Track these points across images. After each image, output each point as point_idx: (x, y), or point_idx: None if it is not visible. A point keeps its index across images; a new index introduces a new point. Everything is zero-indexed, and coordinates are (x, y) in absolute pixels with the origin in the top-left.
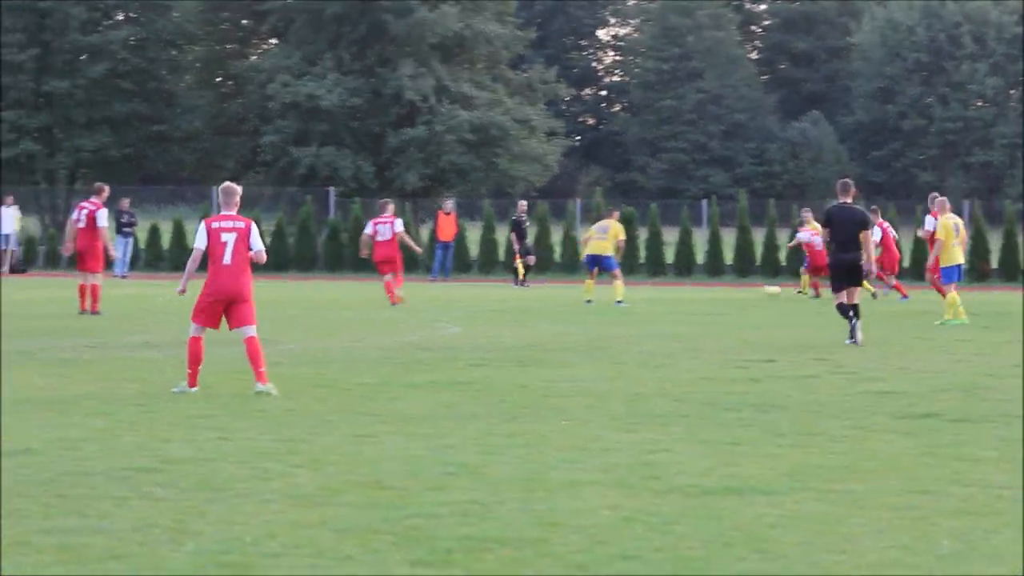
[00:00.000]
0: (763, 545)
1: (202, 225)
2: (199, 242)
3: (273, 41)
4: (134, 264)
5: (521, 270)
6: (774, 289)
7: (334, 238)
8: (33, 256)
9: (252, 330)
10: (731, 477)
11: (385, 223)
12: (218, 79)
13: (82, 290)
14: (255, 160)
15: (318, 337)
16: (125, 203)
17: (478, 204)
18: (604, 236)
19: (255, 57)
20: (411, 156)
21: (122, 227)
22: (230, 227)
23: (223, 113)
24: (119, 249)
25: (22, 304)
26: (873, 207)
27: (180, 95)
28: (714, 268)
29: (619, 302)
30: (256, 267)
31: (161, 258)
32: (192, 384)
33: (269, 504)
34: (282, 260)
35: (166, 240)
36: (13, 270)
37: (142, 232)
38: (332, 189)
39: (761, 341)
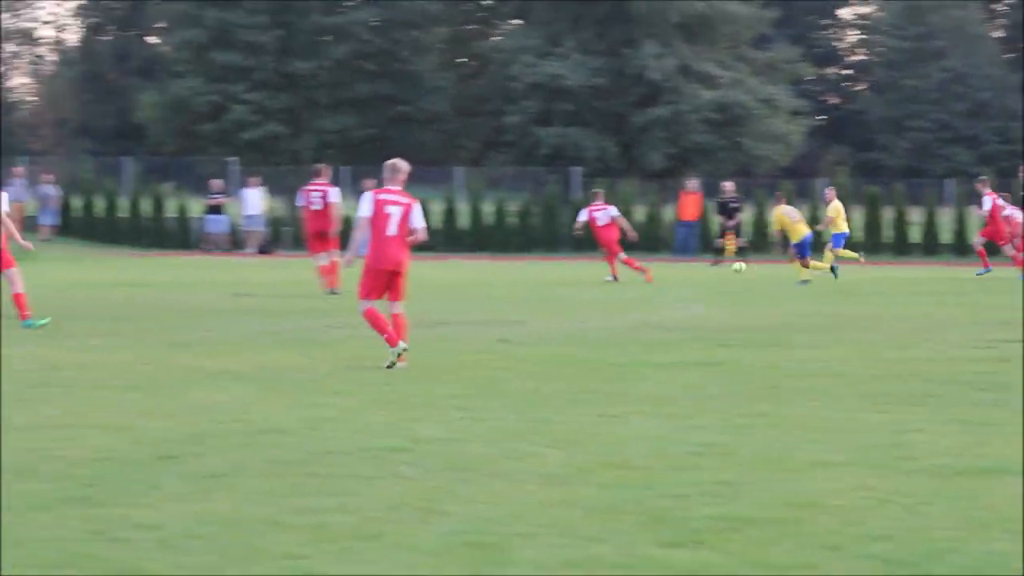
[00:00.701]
0: (1016, 526)
1: (369, 195)
2: (364, 211)
3: (515, 21)
4: None
5: (731, 248)
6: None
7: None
8: (279, 237)
9: (401, 306)
10: (983, 457)
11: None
12: (461, 60)
13: (322, 270)
14: (498, 140)
15: (564, 317)
16: (369, 184)
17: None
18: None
19: (497, 38)
20: (655, 136)
21: None
22: (395, 200)
23: (466, 94)
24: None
25: (268, 285)
26: (982, 177)
27: (423, 76)
28: (961, 248)
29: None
30: (499, 247)
31: None
32: (393, 344)
33: (518, 484)
34: (527, 241)
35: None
36: (261, 251)
37: None
38: (576, 169)
39: (1009, 321)
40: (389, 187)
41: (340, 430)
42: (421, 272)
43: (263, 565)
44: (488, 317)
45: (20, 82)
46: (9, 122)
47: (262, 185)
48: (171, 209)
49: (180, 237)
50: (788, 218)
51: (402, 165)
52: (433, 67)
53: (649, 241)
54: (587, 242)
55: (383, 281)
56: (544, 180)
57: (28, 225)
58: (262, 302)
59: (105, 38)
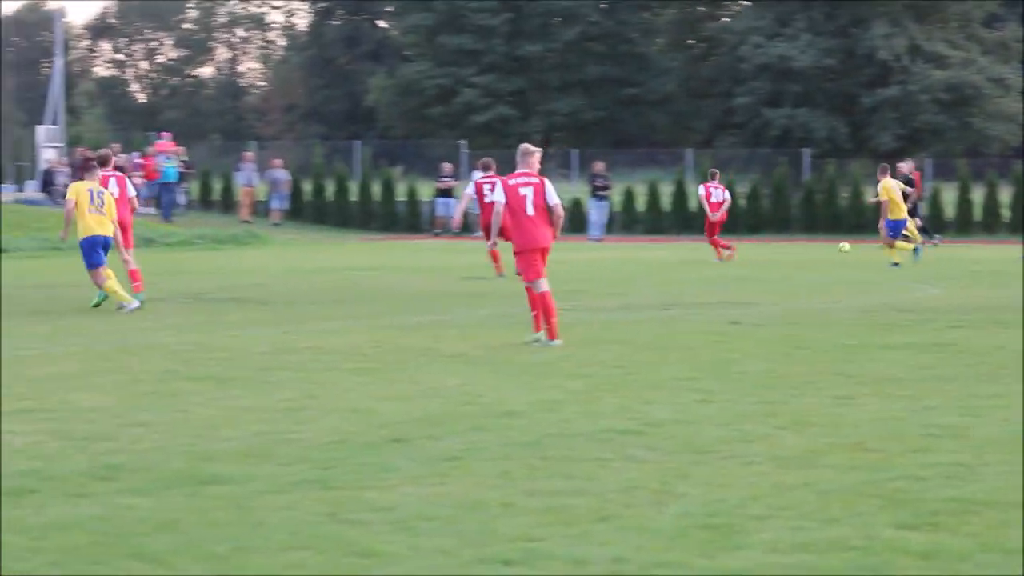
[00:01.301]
0: None
1: (499, 183)
2: (498, 197)
3: (744, 2)
4: (610, 227)
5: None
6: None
7: (809, 200)
8: None
9: (546, 283)
10: None
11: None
12: (690, 41)
13: (495, 255)
14: (727, 122)
15: (795, 298)
16: (599, 167)
17: (951, 164)
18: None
19: (726, 19)
20: (885, 116)
21: (596, 191)
22: (525, 182)
23: (695, 75)
24: (593, 213)
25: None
26: None
27: (652, 58)
28: None
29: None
30: (728, 229)
31: (637, 221)
32: (537, 330)
33: (752, 466)
34: (757, 222)
35: (641, 203)
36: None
37: (617, 196)
38: (806, 151)
39: None
40: (520, 170)
41: (573, 413)
42: (650, 254)
43: (497, 547)
44: (718, 299)
45: (250, 67)
46: (239, 107)
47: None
48: (401, 193)
49: (410, 221)
50: (896, 194)
51: (532, 148)
52: (662, 49)
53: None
54: (821, 223)
55: (537, 258)
56: (774, 162)
57: (259, 209)
58: (492, 285)
59: (335, 22)
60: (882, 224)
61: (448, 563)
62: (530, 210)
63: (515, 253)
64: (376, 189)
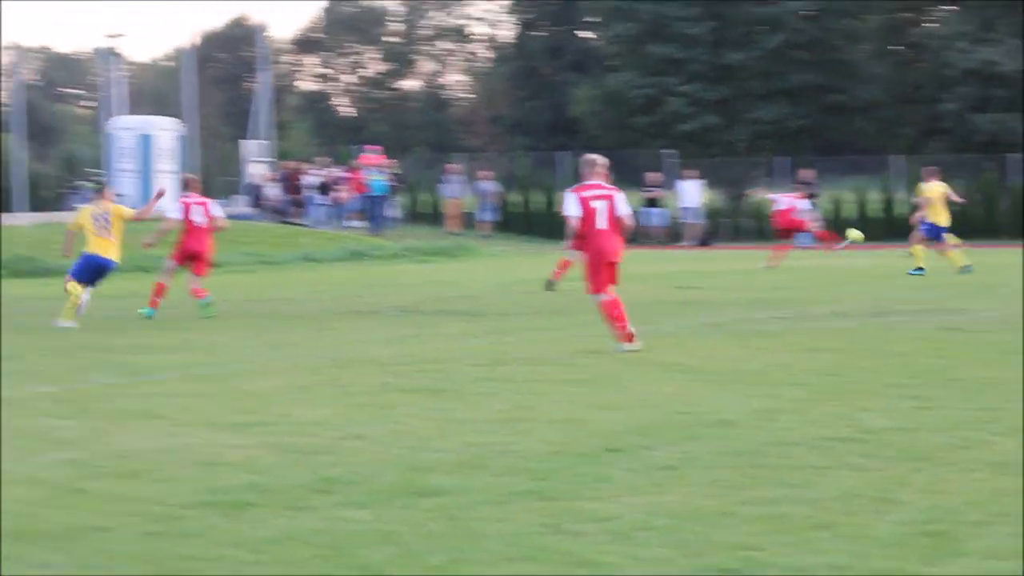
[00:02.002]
0: None
1: (572, 195)
2: (572, 211)
3: (949, 8)
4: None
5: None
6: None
7: (1018, 205)
8: (717, 229)
9: (611, 294)
10: None
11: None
12: (895, 47)
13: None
14: (934, 127)
15: (1011, 304)
16: (807, 174)
17: None
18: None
19: (931, 24)
20: None
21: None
22: (598, 195)
23: (900, 81)
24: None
25: (709, 276)
26: None
27: (857, 65)
28: None
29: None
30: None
31: (845, 227)
32: (622, 340)
33: (971, 472)
34: (967, 229)
35: (849, 210)
36: (700, 243)
37: (826, 203)
38: (1015, 156)
39: None
40: (590, 182)
41: (788, 421)
42: (861, 262)
43: (716, 556)
44: (931, 305)
45: (455, 79)
46: (445, 119)
47: (699, 177)
48: None
49: None
50: (939, 197)
51: (599, 159)
52: (867, 55)
53: None
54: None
55: (607, 271)
56: (981, 167)
57: (467, 221)
58: (704, 294)
59: (539, 34)
60: (920, 230)
61: (667, 573)
62: (603, 223)
63: (587, 264)
64: None
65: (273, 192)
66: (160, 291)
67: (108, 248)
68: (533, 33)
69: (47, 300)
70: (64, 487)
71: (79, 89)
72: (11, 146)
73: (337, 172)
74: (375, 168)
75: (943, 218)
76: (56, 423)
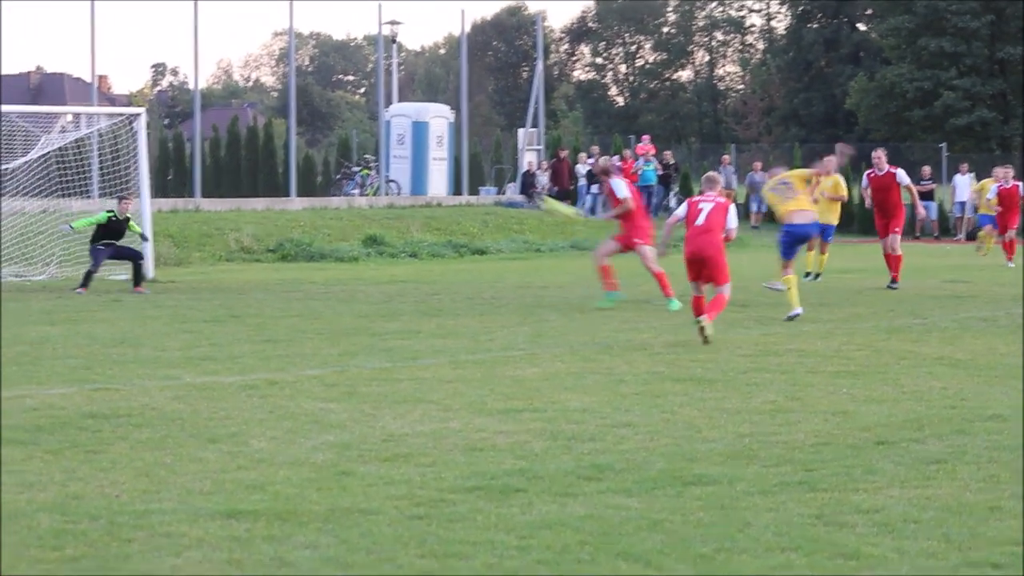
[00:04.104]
0: None
1: (685, 202)
2: (679, 212)
3: None
4: None
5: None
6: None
7: None
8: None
9: (725, 288)
10: None
11: None
12: None
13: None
14: None
15: None
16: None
17: None
18: None
19: None
20: None
21: None
22: (708, 199)
23: None
24: None
25: (980, 271)
26: None
27: None
28: None
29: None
30: None
31: None
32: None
33: None
34: None
35: None
36: (969, 237)
37: None
38: None
39: None
40: (706, 193)
41: None
42: None
43: (985, 551)
44: None
45: (730, 71)
46: (719, 110)
47: (971, 172)
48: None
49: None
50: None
51: (717, 177)
52: None
53: None
54: None
55: (695, 268)
56: None
57: (739, 213)
58: (975, 288)
59: (813, 26)
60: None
61: (935, 566)
62: (700, 221)
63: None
64: (855, 192)
65: (544, 180)
66: (607, 273)
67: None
68: (808, 25)
69: (316, 284)
70: (331, 469)
71: (353, 76)
72: (285, 132)
73: (612, 161)
74: (644, 157)
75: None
76: (324, 406)
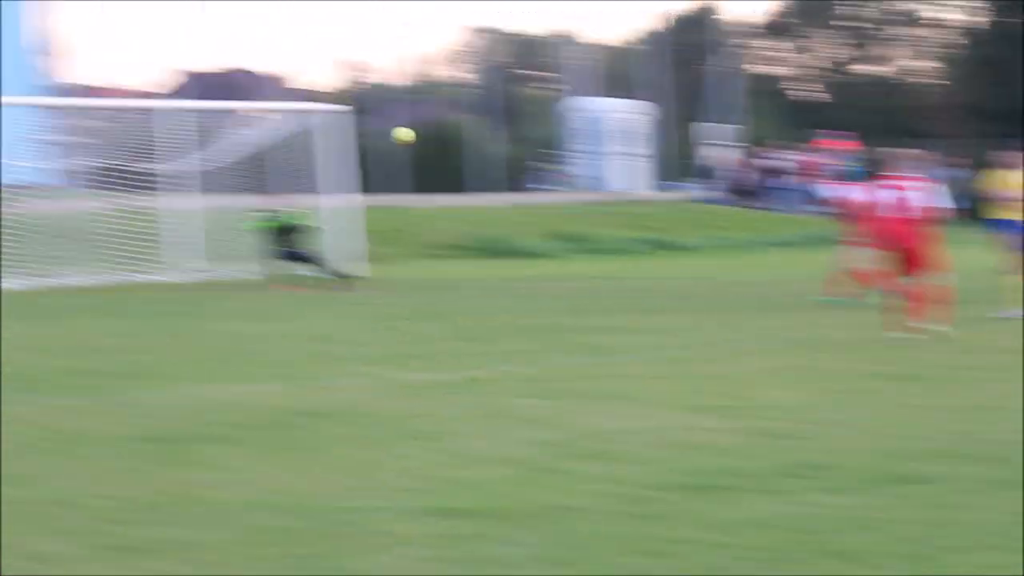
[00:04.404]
0: None
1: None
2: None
3: None
4: None
5: None
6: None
7: None
8: None
9: (927, 278)
10: None
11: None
12: None
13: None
14: None
15: None
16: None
17: None
18: None
19: None
20: None
21: None
22: (901, 186)
23: None
24: None
25: None
26: None
27: None
28: None
29: None
30: None
31: None
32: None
33: None
34: None
35: None
36: None
37: None
38: None
39: None
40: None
41: None
42: None
43: None
44: None
45: (921, 65)
46: (909, 105)
47: None
48: None
49: None
50: None
51: (904, 152)
52: None
53: None
54: None
55: (898, 259)
56: None
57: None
58: None
59: (1013, 19)
60: None
61: None
62: (895, 211)
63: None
64: None
65: (737, 176)
66: (864, 279)
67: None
68: (1006, 19)
69: (512, 281)
70: (536, 466)
71: (548, 72)
72: (476, 128)
73: (801, 156)
74: (840, 152)
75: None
76: (528, 403)
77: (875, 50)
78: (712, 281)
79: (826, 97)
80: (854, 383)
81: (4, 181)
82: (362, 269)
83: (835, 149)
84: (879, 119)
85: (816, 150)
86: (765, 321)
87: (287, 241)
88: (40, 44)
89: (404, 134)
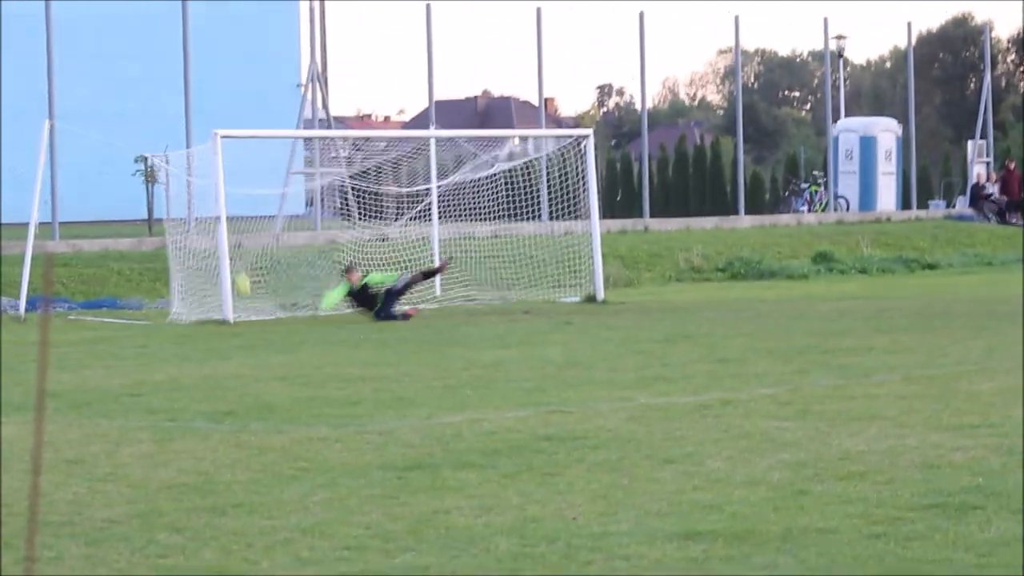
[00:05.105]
0: None
1: None
2: None
3: None
4: None
5: None
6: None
7: None
8: None
9: None
10: None
11: None
12: None
13: None
14: None
15: None
16: None
17: None
18: None
19: None
20: None
21: None
22: None
23: None
24: None
25: None
26: None
27: None
28: None
29: None
30: None
31: None
32: None
33: None
34: None
35: None
36: None
37: None
38: None
39: None
40: None
41: None
42: None
43: None
44: None
45: None
46: None
47: None
48: None
49: None
50: None
51: None
52: None
53: None
54: None
55: None
56: None
57: None
58: None
59: None
60: None
61: None
62: None
63: None
64: None
65: (993, 192)
66: None
67: None
68: None
69: (766, 302)
70: (787, 488)
71: (799, 91)
72: (731, 149)
73: None
74: None
75: None
76: (779, 424)
77: None
78: (967, 299)
79: None
80: None
81: (261, 212)
82: (615, 293)
83: None
84: None
85: None
86: (1018, 338)
87: (370, 301)
88: (313, 76)
89: (242, 284)
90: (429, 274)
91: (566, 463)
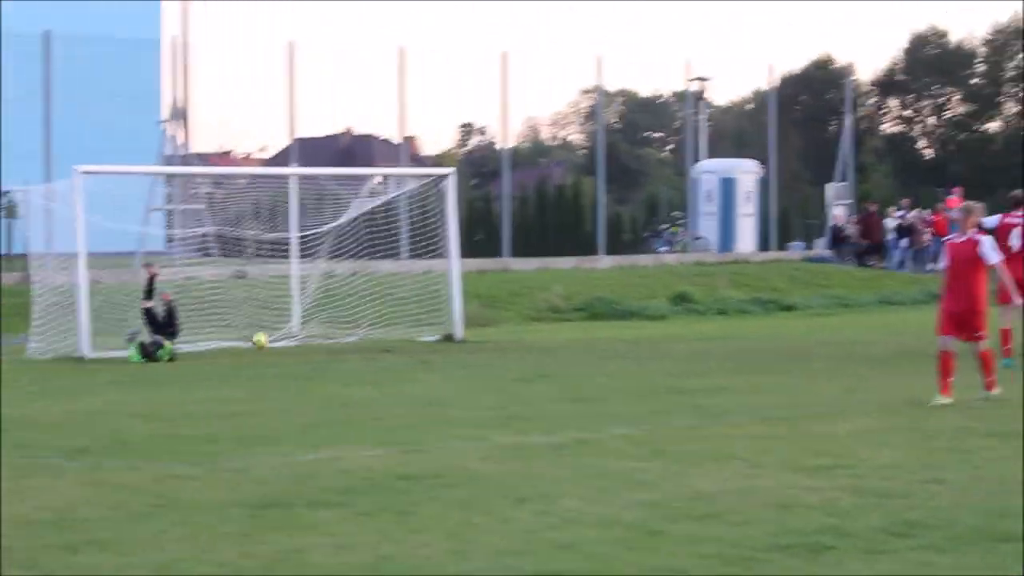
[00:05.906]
0: None
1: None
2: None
3: None
4: None
5: None
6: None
7: None
8: None
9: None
10: None
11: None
12: None
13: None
14: None
15: None
16: None
17: None
18: None
19: None
20: None
21: None
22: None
23: None
24: None
25: None
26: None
27: None
28: None
29: None
30: None
31: None
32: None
33: None
34: None
35: None
36: None
37: None
38: None
39: None
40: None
41: None
42: None
43: None
44: None
45: None
46: None
47: None
48: None
49: None
50: None
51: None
52: None
53: None
54: None
55: (956, 321)
56: None
57: None
58: None
59: None
60: None
61: None
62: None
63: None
64: None
65: (853, 234)
66: (1006, 338)
67: None
68: None
69: (625, 342)
70: (641, 528)
71: (660, 132)
72: (592, 190)
73: (919, 215)
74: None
75: None
76: (634, 464)
77: (996, 108)
78: (825, 341)
79: (945, 154)
80: (956, 441)
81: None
82: (474, 332)
83: (955, 207)
84: (1002, 176)
85: (939, 209)
86: (874, 379)
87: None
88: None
89: (259, 340)
90: (148, 290)
91: (421, 501)
